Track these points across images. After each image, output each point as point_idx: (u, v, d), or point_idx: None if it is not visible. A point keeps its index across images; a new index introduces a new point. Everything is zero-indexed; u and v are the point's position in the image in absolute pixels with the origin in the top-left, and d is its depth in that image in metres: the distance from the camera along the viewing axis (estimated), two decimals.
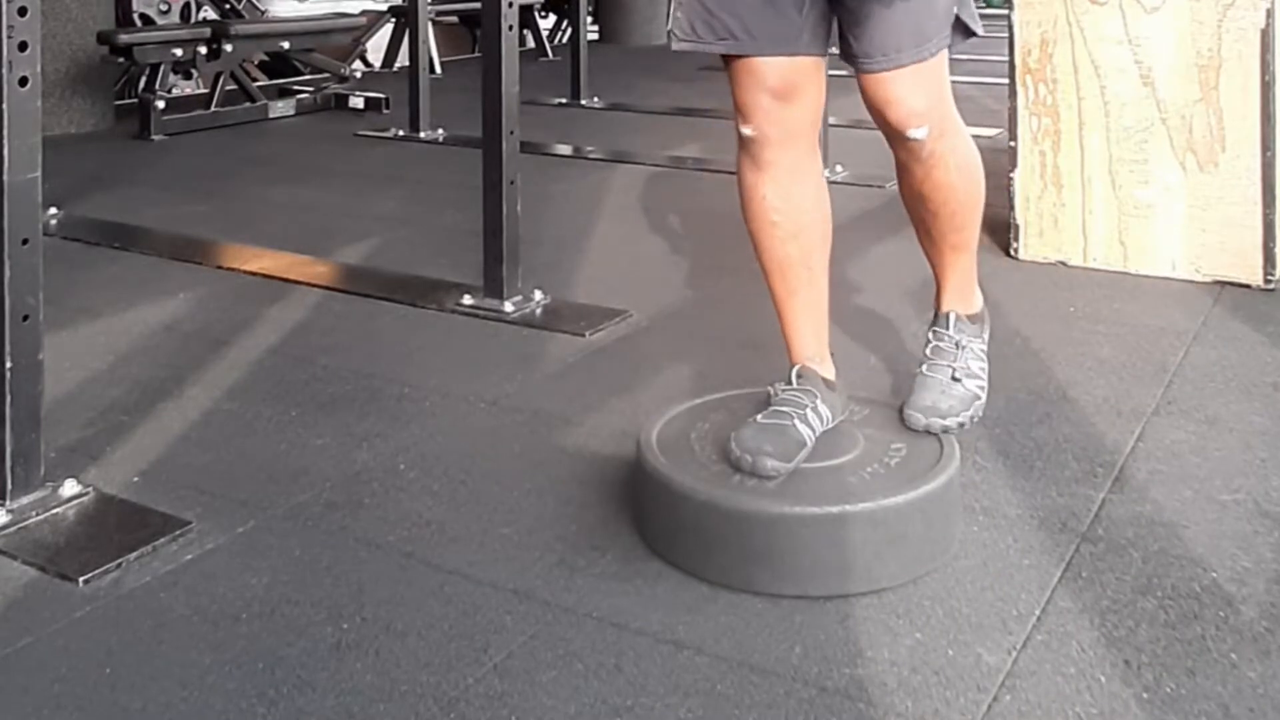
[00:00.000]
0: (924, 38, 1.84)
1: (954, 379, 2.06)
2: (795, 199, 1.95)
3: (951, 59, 1.92)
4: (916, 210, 2.06)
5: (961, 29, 1.91)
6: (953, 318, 2.14)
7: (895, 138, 1.91)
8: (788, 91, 1.89)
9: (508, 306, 2.99)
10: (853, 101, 1.92)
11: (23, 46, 1.94)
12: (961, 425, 2.00)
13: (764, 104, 1.89)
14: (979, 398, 2.09)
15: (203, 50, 5.89)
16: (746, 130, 1.91)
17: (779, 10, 1.85)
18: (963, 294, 2.17)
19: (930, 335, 2.15)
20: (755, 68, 1.88)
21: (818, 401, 1.92)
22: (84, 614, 1.70)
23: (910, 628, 1.65)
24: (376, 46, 8.41)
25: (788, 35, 1.86)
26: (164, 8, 7.39)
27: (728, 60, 1.92)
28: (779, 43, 1.86)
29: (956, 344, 2.11)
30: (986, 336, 2.20)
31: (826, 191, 2.01)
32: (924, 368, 2.09)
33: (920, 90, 1.86)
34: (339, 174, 4.87)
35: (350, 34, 7.13)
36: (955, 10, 1.90)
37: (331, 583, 1.78)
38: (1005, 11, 3.56)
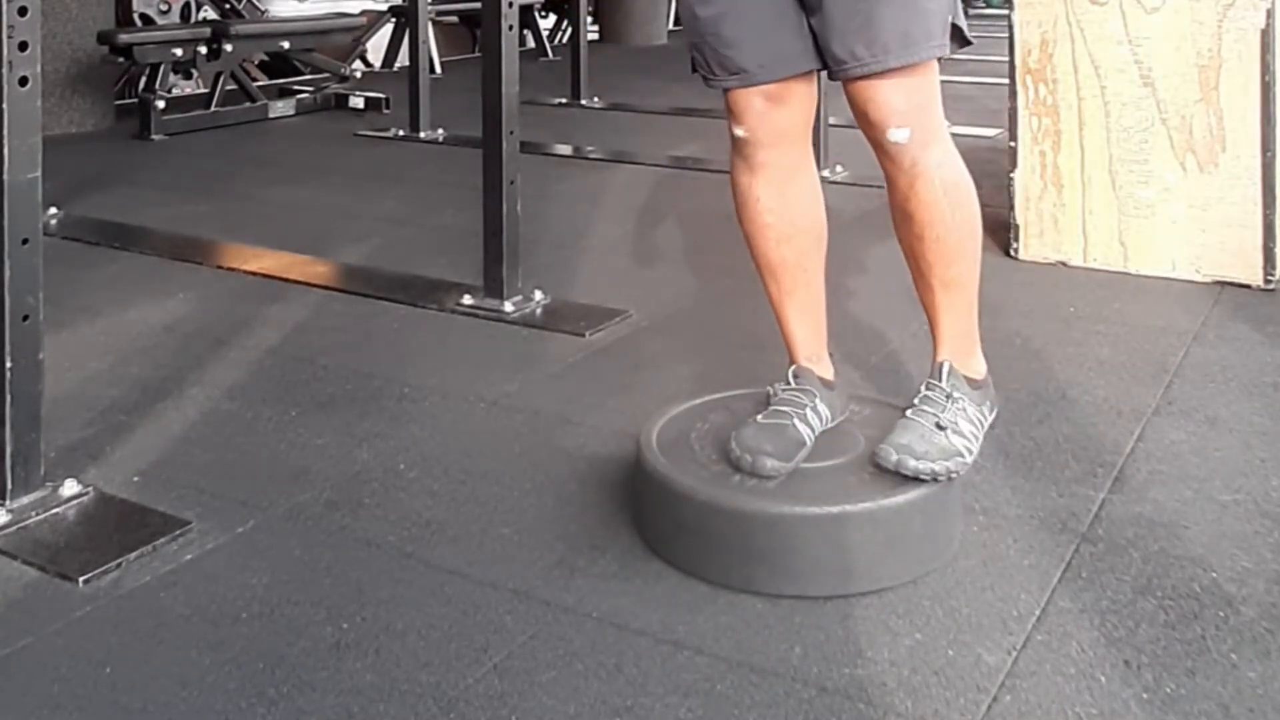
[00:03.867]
0: (910, 40, 1.80)
1: (938, 427, 1.84)
2: (790, 201, 1.95)
3: (952, 59, 1.92)
4: (905, 236, 1.93)
5: (958, 36, 1.87)
6: (946, 368, 1.92)
7: (876, 143, 1.86)
8: (781, 94, 1.89)
9: (508, 306, 2.99)
10: None
11: (23, 46, 1.95)
12: (935, 476, 1.78)
13: (757, 106, 1.89)
14: (961, 456, 1.83)
15: (203, 50, 5.89)
16: (739, 131, 1.92)
17: (784, 34, 1.86)
18: (958, 345, 1.96)
19: (923, 386, 1.93)
20: None
21: (817, 401, 1.93)
22: (84, 614, 1.70)
23: (910, 628, 1.65)
24: (376, 46, 8.41)
25: (792, 56, 1.87)
26: (164, 8, 7.39)
27: None
28: (787, 65, 1.87)
29: (947, 395, 1.90)
30: (988, 413, 1.97)
31: (821, 194, 2.00)
32: (908, 412, 1.88)
33: (902, 92, 1.81)
34: (339, 174, 4.87)
35: (350, 34, 7.14)
36: (950, 18, 1.84)
37: (331, 583, 1.78)
38: (1005, 11, 3.56)
